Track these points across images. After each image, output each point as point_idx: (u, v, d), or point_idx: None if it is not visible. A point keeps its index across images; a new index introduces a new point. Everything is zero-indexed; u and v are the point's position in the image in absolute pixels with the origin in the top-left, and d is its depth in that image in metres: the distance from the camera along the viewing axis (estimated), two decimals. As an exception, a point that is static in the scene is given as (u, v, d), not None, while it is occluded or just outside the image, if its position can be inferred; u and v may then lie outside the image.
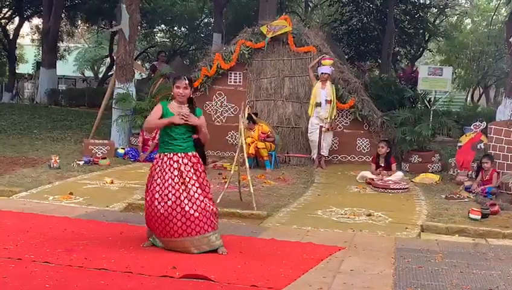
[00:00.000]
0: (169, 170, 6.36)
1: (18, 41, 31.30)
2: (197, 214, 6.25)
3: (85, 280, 5.30)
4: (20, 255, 5.91)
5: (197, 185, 6.38)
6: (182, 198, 6.27)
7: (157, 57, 20.05)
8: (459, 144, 12.20)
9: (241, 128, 9.56)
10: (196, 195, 6.32)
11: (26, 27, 33.01)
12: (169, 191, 6.29)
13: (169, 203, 6.26)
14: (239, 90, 14.43)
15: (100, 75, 36.70)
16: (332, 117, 13.04)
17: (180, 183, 6.32)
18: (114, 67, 17.87)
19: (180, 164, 6.38)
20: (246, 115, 12.42)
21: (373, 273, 5.83)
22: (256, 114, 13.27)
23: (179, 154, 6.43)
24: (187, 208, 6.24)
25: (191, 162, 6.44)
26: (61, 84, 31.84)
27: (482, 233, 7.90)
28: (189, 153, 6.47)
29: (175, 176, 6.34)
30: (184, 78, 6.50)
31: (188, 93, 6.49)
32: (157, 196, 6.32)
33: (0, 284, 5.06)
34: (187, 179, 6.34)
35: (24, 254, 5.95)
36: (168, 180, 6.33)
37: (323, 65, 13.05)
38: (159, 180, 6.36)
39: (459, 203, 9.64)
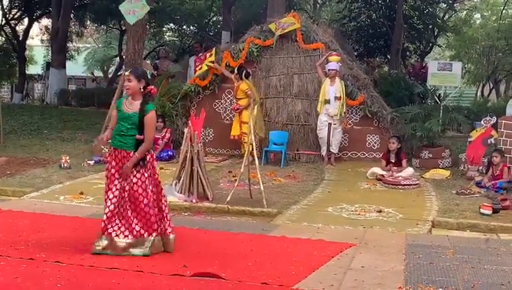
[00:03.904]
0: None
1: (27, 42, 31.37)
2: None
3: (96, 279, 5.33)
4: (31, 255, 5.94)
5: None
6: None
7: (157, 56, 20.07)
8: (469, 139, 12.15)
9: (251, 125, 9.58)
10: None
11: (35, 28, 33.12)
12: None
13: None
14: (248, 88, 14.41)
15: (110, 75, 36.77)
16: (342, 114, 13.00)
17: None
18: (123, 66, 17.88)
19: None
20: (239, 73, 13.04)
21: (384, 270, 5.82)
22: (249, 74, 13.31)
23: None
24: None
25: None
26: (71, 84, 31.93)
27: (493, 228, 7.89)
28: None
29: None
30: (127, 70, 6.44)
31: (133, 86, 6.31)
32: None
33: (12, 284, 5.09)
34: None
35: (35, 253, 5.99)
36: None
37: (330, 62, 13.02)
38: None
39: (469, 198, 9.62)
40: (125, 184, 6.25)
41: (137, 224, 6.20)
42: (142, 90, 6.35)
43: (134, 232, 6.18)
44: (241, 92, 13.07)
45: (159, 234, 6.35)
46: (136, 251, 6.15)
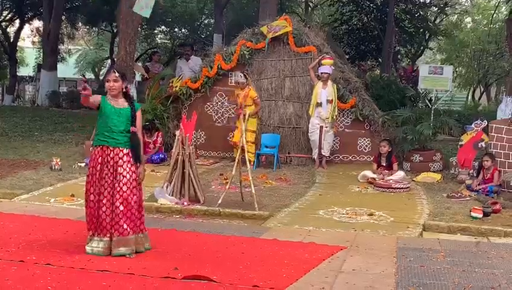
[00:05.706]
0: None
1: (19, 44, 31.33)
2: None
3: (87, 281, 5.31)
4: (22, 257, 5.92)
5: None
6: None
7: (150, 58, 20.02)
8: (460, 143, 12.17)
9: (243, 130, 9.59)
10: None
11: (26, 29, 33.07)
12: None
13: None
14: (240, 91, 14.40)
15: (101, 77, 36.73)
16: (334, 117, 13.01)
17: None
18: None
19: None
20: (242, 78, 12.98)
21: (375, 273, 5.83)
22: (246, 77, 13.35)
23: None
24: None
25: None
26: (62, 86, 31.82)
27: (483, 232, 7.90)
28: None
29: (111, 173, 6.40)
30: (114, 71, 6.56)
31: (119, 86, 6.48)
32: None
33: (3, 287, 5.07)
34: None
35: (26, 256, 5.97)
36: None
37: (323, 65, 13.02)
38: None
39: (460, 202, 9.64)
40: (115, 182, 6.27)
41: (125, 222, 6.20)
42: (123, 89, 6.55)
43: (121, 230, 6.18)
44: (250, 99, 12.89)
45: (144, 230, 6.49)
46: (122, 250, 6.16)
